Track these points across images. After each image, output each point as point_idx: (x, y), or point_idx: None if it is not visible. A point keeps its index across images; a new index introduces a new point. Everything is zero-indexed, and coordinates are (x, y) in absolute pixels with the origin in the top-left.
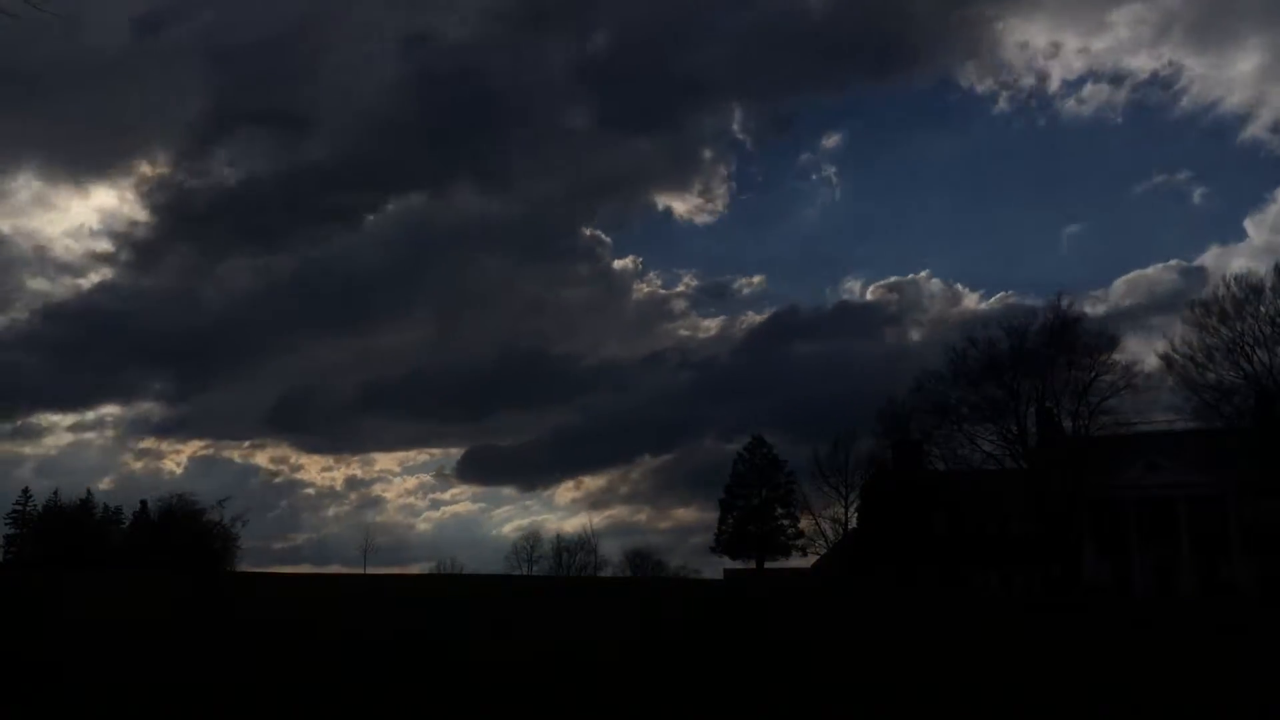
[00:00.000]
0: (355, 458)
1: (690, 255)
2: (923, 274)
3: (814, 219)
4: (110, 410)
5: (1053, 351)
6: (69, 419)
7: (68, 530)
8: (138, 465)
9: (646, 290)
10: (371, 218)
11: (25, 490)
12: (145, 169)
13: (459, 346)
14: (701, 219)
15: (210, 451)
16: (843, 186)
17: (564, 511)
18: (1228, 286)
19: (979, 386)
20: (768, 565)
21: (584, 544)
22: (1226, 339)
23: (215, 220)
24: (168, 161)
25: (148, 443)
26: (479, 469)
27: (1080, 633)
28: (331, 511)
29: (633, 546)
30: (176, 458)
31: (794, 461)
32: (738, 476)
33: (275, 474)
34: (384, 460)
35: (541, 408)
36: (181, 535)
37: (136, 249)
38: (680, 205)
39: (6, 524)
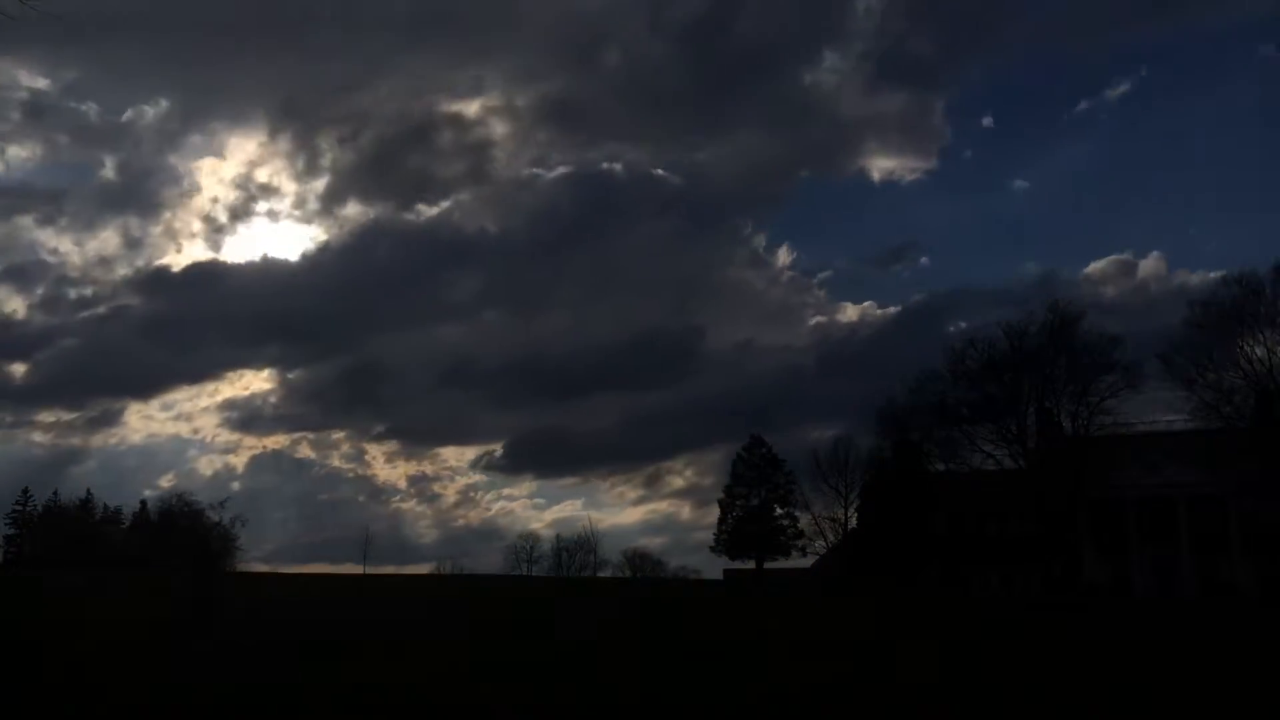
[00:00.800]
0: (429, 451)
1: (875, 228)
2: (1151, 251)
3: (1044, 189)
4: (193, 399)
5: (1052, 351)
6: (145, 408)
7: (68, 530)
8: (202, 461)
9: (793, 275)
10: (527, 173)
11: (25, 490)
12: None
13: (583, 328)
14: (916, 190)
15: (283, 445)
16: (1093, 152)
17: (612, 506)
18: (1228, 287)
19: (979, 386)
20: (767, 565)
21: (584, 544)
22: (1226, 339)
23: (356, 176)
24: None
25: (225, 436)
26: (544, 458)
27: (1078, 633)
28: (387, 508)
29: (633, 548)
30: (248, 451)
31: (794, 461)
32: (737, 476)
33: (343, 469)
34: (453, 455)
35: (637, 394)
36: (182, 535)
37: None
38: (896, 169)
39: (6, 524)
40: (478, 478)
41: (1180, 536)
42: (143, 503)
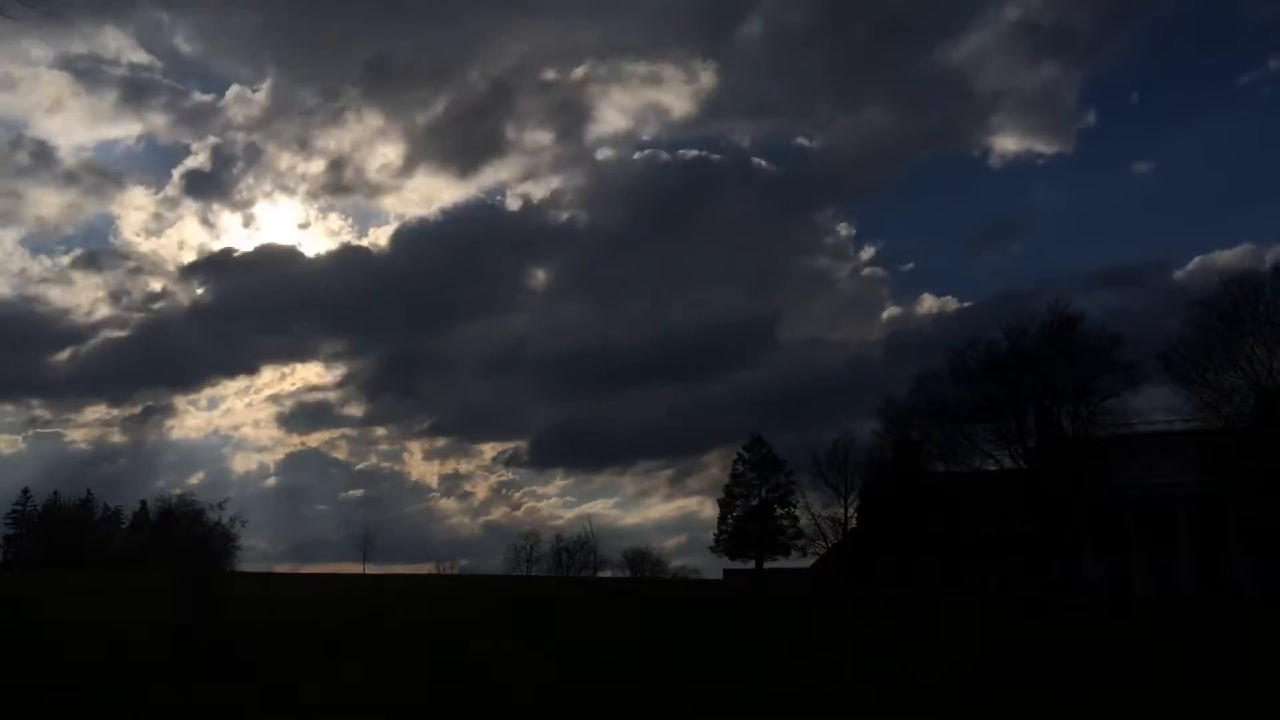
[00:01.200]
0: (473, 447)
1: (983, 215)
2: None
3: (1178, 173)
4: (239, 395)
5: (1052, 351)
6: (192, 403)
7: (68, 530)
8: (238, 459)
9: (875, 267)
10: (617, 154)
11: (25, 490)
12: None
13: (652, 318)
14: (1038, 174)
15: (323, 441)
16: (1246, 130)
17: (640, 503)
18: (1227, 287)
19: (979, 386)
20: (767, 565)
21: (583, 544)
22: (1226, 339)
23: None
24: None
25: (266, 432)
26: (579, 453)
27: (1076, 633)
28: (417, 506)
29: (633, 548)
30: (285, 449)
31: (794, 461)
32: (737, 476)
33: (380, 467)
34: (494, 451)
35: (690, 387)
36: (181, 535)
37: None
38: (1022, 150)
39: (6, 524)
40: (510, 475)
41: (1180, 536)
42: (143, 503)
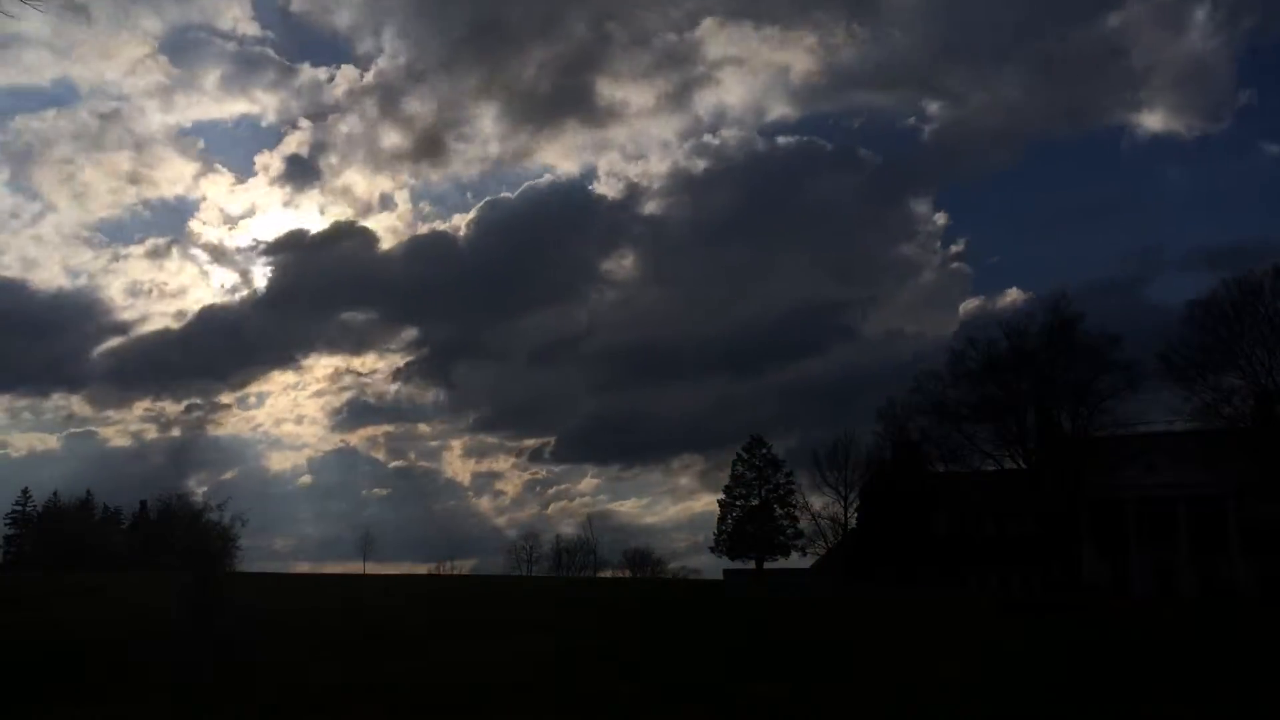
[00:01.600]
0: (515, 443)
1: (1087, 204)
2: None
3: None
4: (286, 390)
5: (1052, 352)
6: (239, 394)
7: (68, 530)
8: (273, 457)
9: (960, 261)
10: (719, 138)
11: (25, 491)
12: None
13: (727, 309)
14: (1170, 156)
15: (364, 439)
16: None
17: (667, 500)
18: (1227, 288)
19: (979, 386)
20: (767, 565)
21: (583, 544)
22: (1226, 339)
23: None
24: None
25: (312, 429)
26: (616, 448)
27: (1076, 633)
28: (449, 504)
29: (634, 547)
30: (323, 447)
31: (793, 461)
32: (736, 476)
33: (415, 465)
34: (531, 448)
35: (738, 382)
36: (182, 535)
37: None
38: (1160, 130)
39: (6, 524)
40: (544, 472)
41: (1180, 537)
42: (142, 503)
